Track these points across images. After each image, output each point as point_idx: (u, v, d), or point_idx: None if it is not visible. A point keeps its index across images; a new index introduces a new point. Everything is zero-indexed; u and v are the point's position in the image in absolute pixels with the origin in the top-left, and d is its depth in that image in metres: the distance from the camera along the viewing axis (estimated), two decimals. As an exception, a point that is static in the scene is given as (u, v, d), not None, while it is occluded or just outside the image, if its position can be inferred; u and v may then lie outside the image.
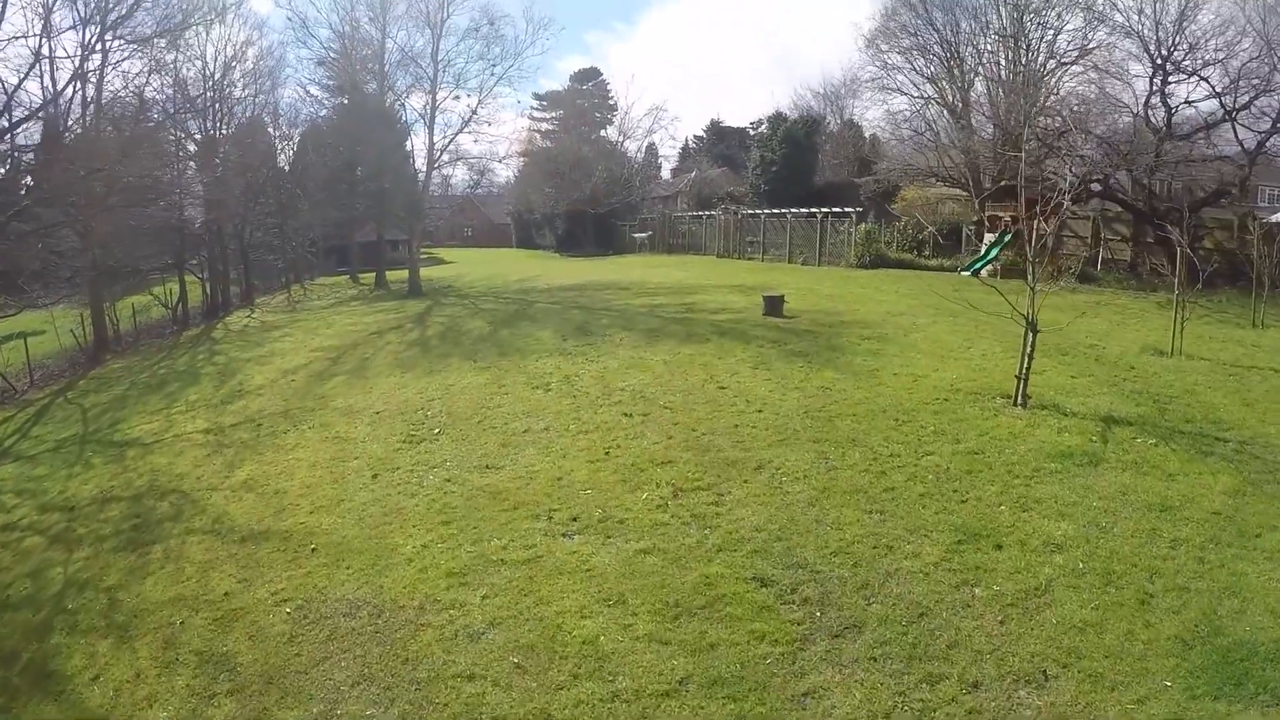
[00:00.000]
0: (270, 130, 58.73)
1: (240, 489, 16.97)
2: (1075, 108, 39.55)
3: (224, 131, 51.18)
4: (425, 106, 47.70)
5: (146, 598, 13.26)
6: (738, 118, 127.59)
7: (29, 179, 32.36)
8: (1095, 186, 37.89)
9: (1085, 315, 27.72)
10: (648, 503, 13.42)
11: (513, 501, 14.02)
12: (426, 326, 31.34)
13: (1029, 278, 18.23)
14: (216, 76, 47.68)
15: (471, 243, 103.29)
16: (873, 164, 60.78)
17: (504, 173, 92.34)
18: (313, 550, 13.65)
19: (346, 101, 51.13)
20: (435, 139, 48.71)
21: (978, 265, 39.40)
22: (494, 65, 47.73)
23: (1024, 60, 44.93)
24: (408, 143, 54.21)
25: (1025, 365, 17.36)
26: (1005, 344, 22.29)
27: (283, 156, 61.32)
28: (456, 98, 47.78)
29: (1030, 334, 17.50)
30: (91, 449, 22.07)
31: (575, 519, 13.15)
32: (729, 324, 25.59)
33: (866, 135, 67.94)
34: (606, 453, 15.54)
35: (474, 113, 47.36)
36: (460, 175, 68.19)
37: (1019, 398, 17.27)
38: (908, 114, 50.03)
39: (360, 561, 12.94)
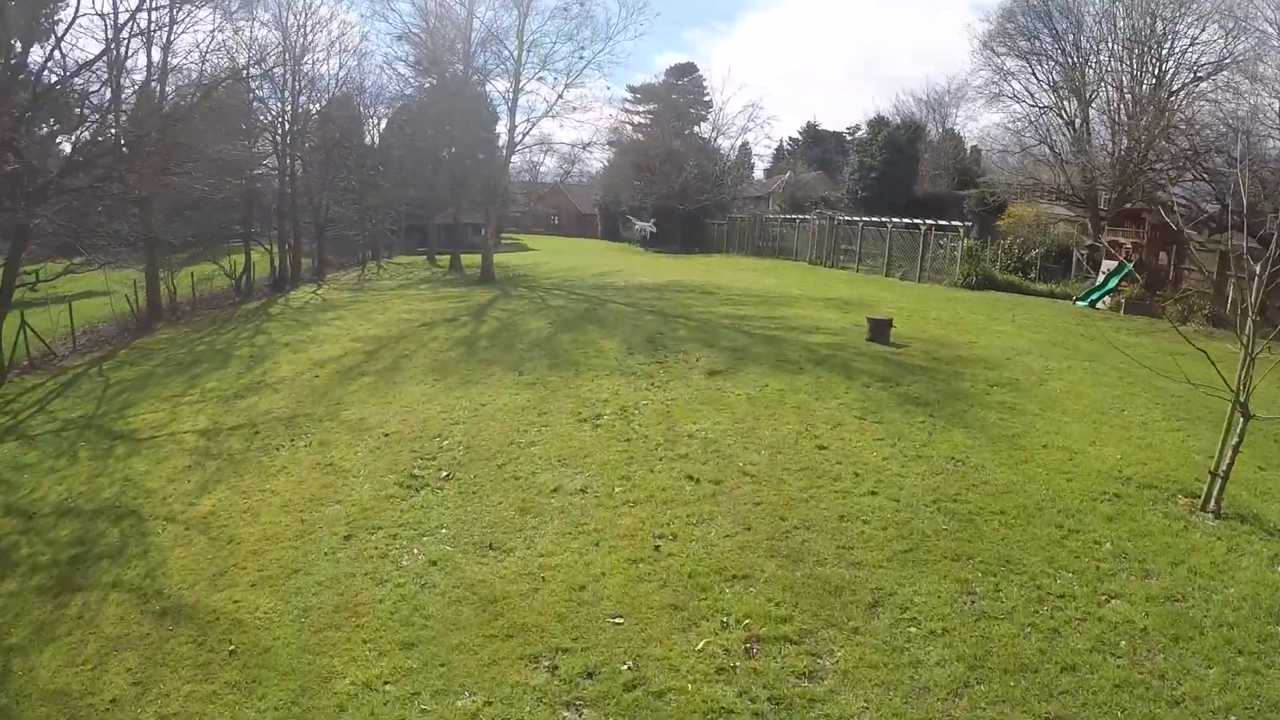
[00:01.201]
0: (358, 107, 54.64)
1: (196, 526, 12.74)
2: (1216, 126, 32.88)
3: (305, 105, 47.33)
4: (508, 89, 42.84)
5: (34, 679, 9.64)
6: (834, 121, 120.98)
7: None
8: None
9: (1229, 371, 21.67)
10: (705, 658, 8.25)
11: (507, 623, 9.00)
12: (482, 322, 26.48)
13: (1241, 335, 12.47)
14: (296, 49, 43.52)
15: (557, 231, 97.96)
16: (975, 176, 54.53)
17: (595, 163, 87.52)
18: (231, 653, 9.27)
19: (434, 82, 46.32)
20: (518, 123, 43.87)
21: (1095, 296, 33.42)
22: (582, 48, 42.03)
23: (1155, 71, 38.25)
24: (497, 126, 49.42)
25: (1228, 461, 11.88)
26: (1165, 407, 17.03)
27: (371, 134, 57.59)
28: (541, 79, 42.26)
29: (1240, 418, 12.13)
30: (87, 438, 18.20)
31: (590, 674, 8.12)
32: (827, 350, 20.17)
33: (968, 147, 61.43)
34: (657, 547, 10.37)
35: (560, 97, 42.12)
36: (550, 163, 63.28)
37: (1212, 502, 11.84)
38: (1022, 125, 43.63)
39: (278, 693, 8.50)
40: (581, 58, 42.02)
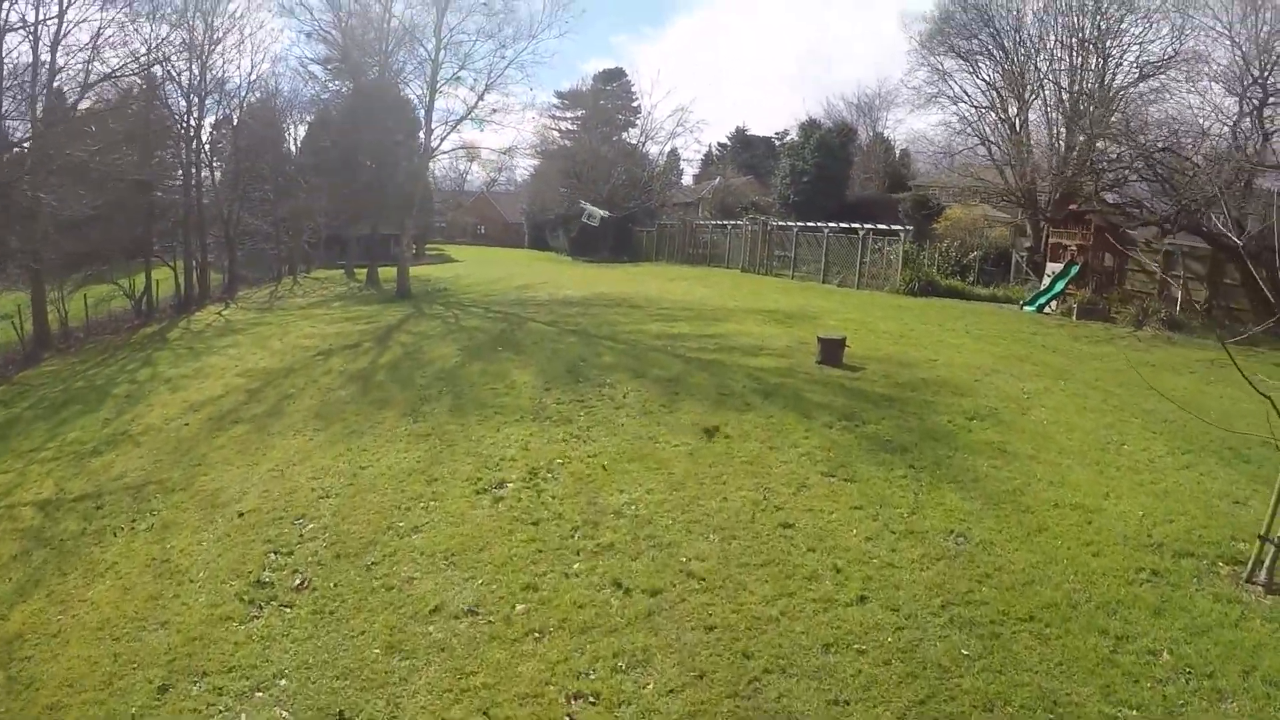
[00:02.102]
0: (276, 112, 50.36)
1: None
2: (1165, 125, 30.57)
3: (217, 108, 43.21)
4: (424, 90, 39.12)
5: None
6: (764, 127, 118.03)
7: None
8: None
9: (1215, 383, 19.46)
10: None
11: None
12: (385, 349, 22.79)
13: None
14: (203, 46, 39.32)
15: (484, 241, 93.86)
16: (906, 180, 52.12)
17: (523, 171, 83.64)
18: None
19: (350, 86, 42.27)
20: (435, 127, 40.15)
21: (1042, 300, 30.97)
22: (504, 47, 38.21)
23: (1098, 70, 35.98)
24: (421, 133, 45.48)
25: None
26: (1164, 437, 14.39)
27: (289, 141, 53.40)
28: (459, 79, 38.45)
29: None
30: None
31: None
32: (775, 377, 16.91)
33: (897, 150, 59.21)
34: (570, 716, 6.99)
35: (480, 99, 38.51)
36: (477, 171, 59.47)
37: (1262, 573, 9.17)
38: (960, 126, 41.19)
39: None
40: (503, 57, 38.33)
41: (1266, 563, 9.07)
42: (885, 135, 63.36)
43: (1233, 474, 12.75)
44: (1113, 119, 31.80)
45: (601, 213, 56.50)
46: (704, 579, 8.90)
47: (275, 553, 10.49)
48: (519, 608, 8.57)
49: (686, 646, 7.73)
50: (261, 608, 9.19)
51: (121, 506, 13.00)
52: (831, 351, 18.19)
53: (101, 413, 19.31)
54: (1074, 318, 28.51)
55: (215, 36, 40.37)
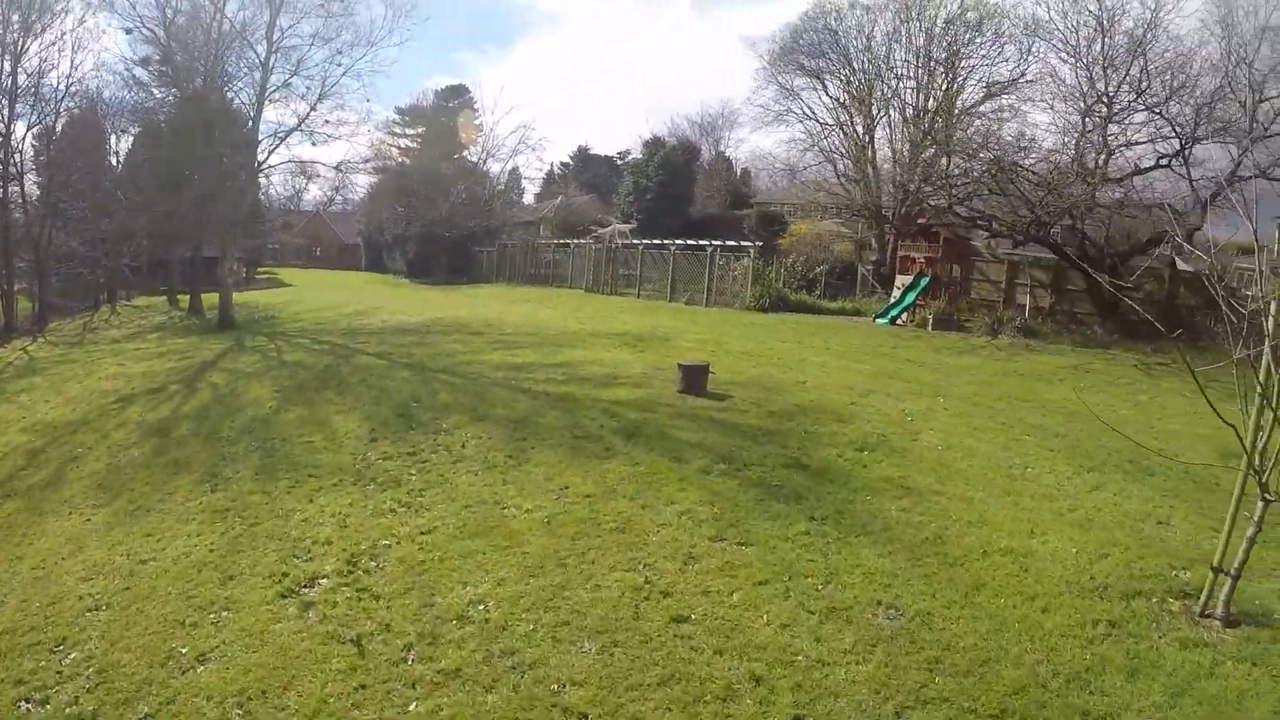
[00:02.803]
0: (99, 122, 45.04)
1: None
2: (1004, 142, 30.29)
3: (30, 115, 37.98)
4: (253, 98, 35.22)
5: None
6: (606, 146, 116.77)
7: None
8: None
9: (1087, 390, 19.00)
10: None
11: None
12: (194, 392, 19.27)
13: (1262, 383, 8.06)
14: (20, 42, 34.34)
15: (320, 263, 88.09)
16: (748, 198, 51.29)
17: (361, 189, 79.03)
18: None
19: (177, 93, 37.52)
20: (263, 139, 36.24)
21: (895, 313, 30.14)
22: (340, 53, 34.70)
23: (946, 88, 35.76)
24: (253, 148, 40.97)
25: (1242, 557, 7.94)
26: (1062, 454, 13.43)
27: (115, 154, 47.82)
28: (289, 85, 34.58)
29: (1261, 500, 8.01)
30: None
31: None
32: (635, 412, 14.56)
33: (738, 169, 58.47)
34: None
35: (313, 109, 34.78)
36: (314, 190, 54.89)
37: (1219, 607, 8.03)
38: (807, 143, 40.41)
39: None
40: (340, 64, 34.78)
41: (1223, 596, 7.85)
42: (727, 154, 62.77)
43: (1144, 490, 11.82)
44: (958, 136, 31.36)
45: (626, 227, 50.80)
46: (585, 714, 6.49)
47: (26, 700, 7.47)
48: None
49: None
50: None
51: None
52: (694, 379, 16.10)
53: None
54: (929, 329, 27.66)
55: (34, 30, 35.39)
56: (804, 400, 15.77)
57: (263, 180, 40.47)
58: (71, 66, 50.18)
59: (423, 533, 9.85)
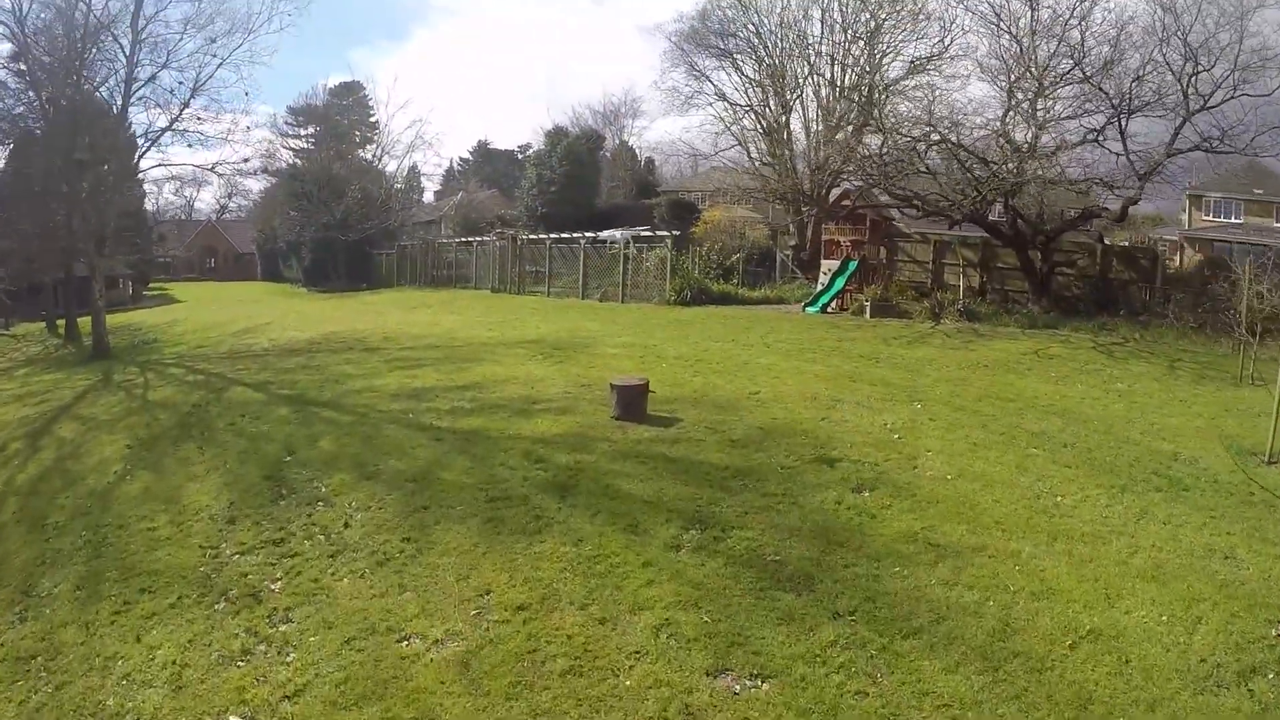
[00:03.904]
0: None
1: None
2: (936, 118, 27.70)
3: None
4: (116, 97, 30.43)
5: None
6: (506, 140, 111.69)
7: None
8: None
9: (1063, 381, 16.93)
10: None
11: None
12: (36, 452, 14.79)
13: None
14: None
15: (214, 275, 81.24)
16: (654, 187, 48.22)
17: (255, 196, 73.02)
18: None
19: (48, 93, 32.23)
20: (132, 135, 31.56)
21: (825, 300, 27.42)
22: (214, 41, 29.62)
23: (867, 64, 33.13)
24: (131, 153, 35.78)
25: None
26: (1080, 468, 11.06)
27: None
28: (155, 79, 29.83)
29: None
30: None
31: None
32: (565, 453, 11.23)
33: (641, 158, 55.35)
34: None
35: (185, 105, 30.02)
36: (207, 199, 49.49)
37: None
38: (718, 128, 37.39)
39: None
40: (215, 55, 30.19)
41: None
42: (630, 144, 59.55)
43: (1186, 511, 9.64)
44: (889, 112, 28.66)
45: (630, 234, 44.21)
46: None
47: None
48: None
49: None
50: None
51: None
52: (632, 402, 12.84)
53: None
54: (868, 316, 24.98)
55: None
56: (765, 419, 12.73)
57: (150, 189, 35.54)
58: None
59: (287, 697, 6.40)
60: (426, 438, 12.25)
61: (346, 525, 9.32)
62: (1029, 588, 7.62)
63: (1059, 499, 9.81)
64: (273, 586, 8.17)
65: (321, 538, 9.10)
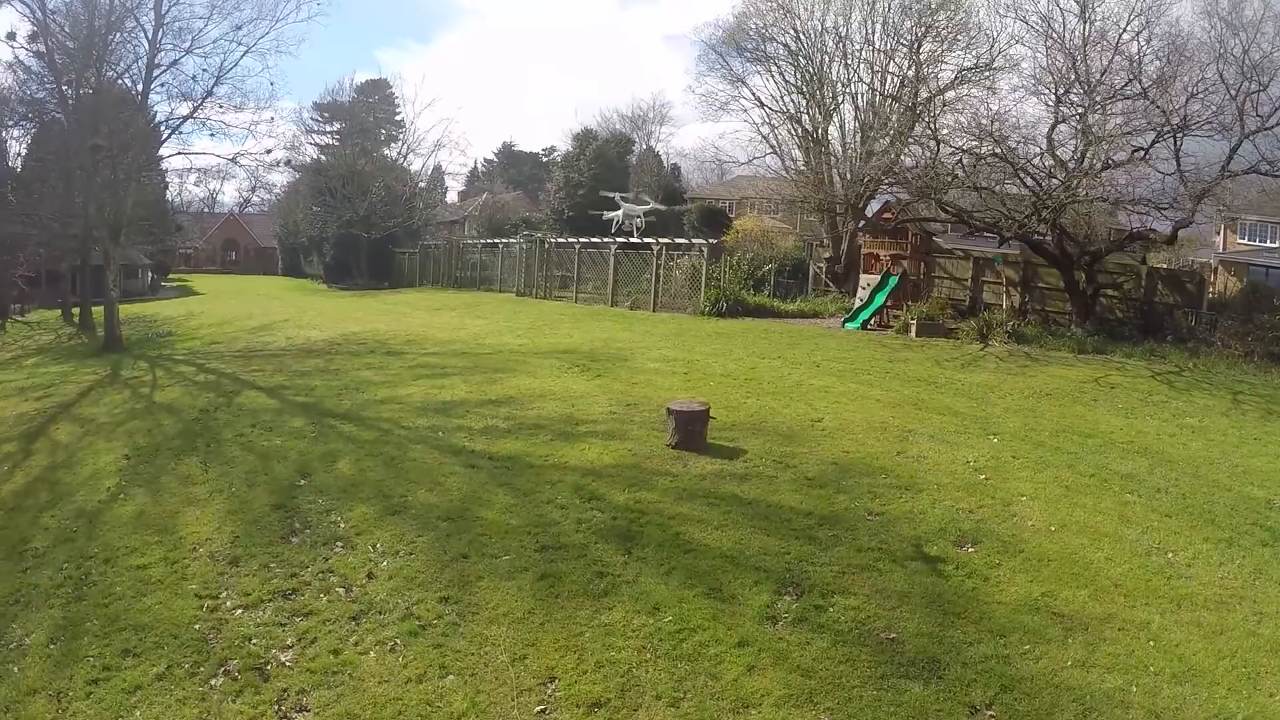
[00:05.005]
0: None
1: None
2: (978, 129, 25.91)
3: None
4: (135, 80, 28.94)
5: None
6: (532, 143, 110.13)
7: None
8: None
9: (1138, 416, 15.14)
10: None
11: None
12: (28, 456, 13.22)
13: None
14: None
15: (235, 268, 79.99)
16: (682, 194, 46.55)
17: (279, 190, 71.51)
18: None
19: (71, 80, 30.76)
20: (155, 126, 29.98)
21: (865, 315, 25.75)
22: (240, 28, 27.87)
23: (910, 72, 31.40)
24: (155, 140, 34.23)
25: None
26: (1180, 517, 9.58)
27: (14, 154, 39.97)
28: (176, 64, 28.25)
29: None
30: None
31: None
32: (624, 489, 9.63)
33: (668, 164, 53.68)
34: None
35: (209, 93, 28.47)
36: (230, 191, 47.95)
37: None
38: (754, 134, 35.63)
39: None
40: (240, 43, 28.69)
41: None
42: (656, 150, 57.94)
43: None
44: (941, 123, 26.90)
45: (642, 207, 39.47)
46: None
47: None
48: None
49: None
50: None
51: None
52: (693, 431, 11.24)
53: None
54: (913, 335, 23.29)
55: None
56: (837, 453, 11.14)
57: (172, 179, 34.05)
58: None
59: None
60: (459, 463, 10.66)
61: (370, 576, 7.72)
62: (1169, 669, 6.32)
63: (1170, 555, 8.41)
64: (282, 657, 6.56)
65: (341, 591, 7.50)
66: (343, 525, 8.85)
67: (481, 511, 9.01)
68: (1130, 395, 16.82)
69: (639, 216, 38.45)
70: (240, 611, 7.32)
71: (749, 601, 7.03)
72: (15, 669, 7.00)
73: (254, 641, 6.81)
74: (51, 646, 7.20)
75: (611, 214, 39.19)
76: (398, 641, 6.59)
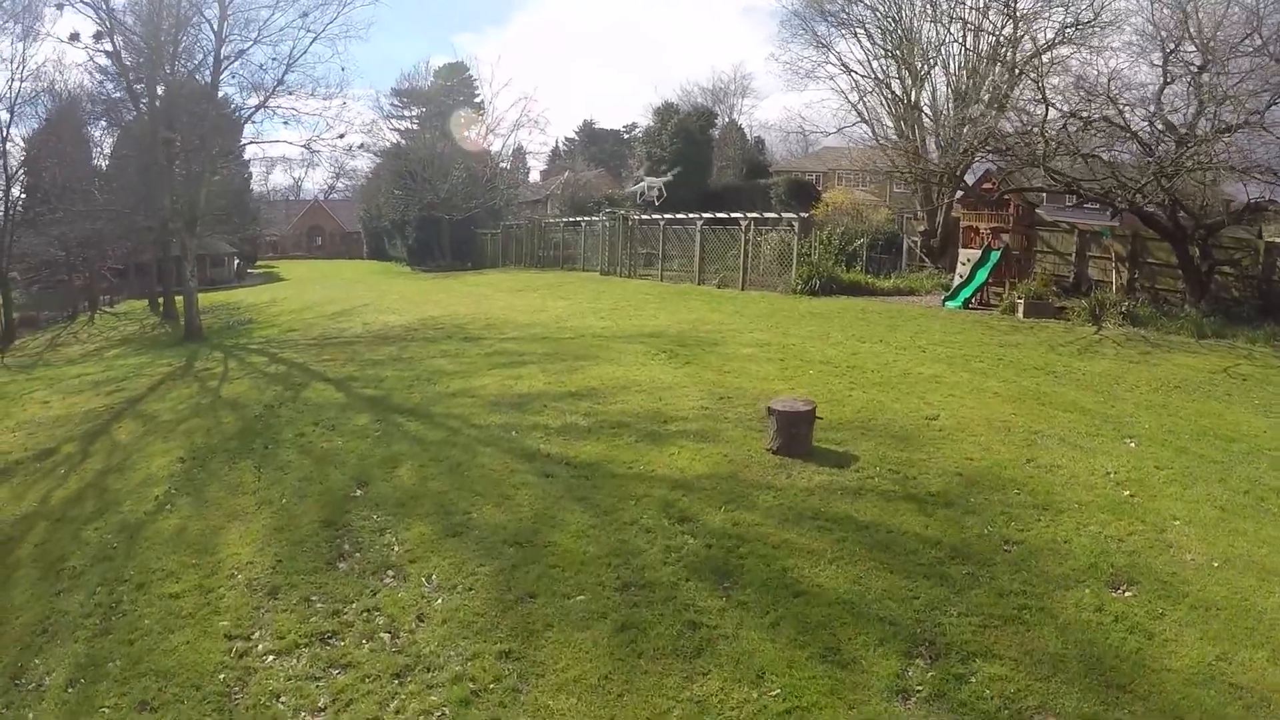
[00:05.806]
0: (81, 120, 38.71)
1: None
2: (1087, 92, 23.36)
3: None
4: (204, 72, 28.56)
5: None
6: (612, 120, 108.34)
7: None
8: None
9: (1268, 413, 12.86)
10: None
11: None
12: (86, 458, 12.68)
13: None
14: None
15: (320, 253, 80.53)
16: (766, 167, 44.56)
17: (363, 176, 71.53)
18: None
19: (144, 79, 30.77)
20: (234, 115, 29.72)
21: (967, 294, 23.74)
22: (306, 15, 27.38)
23: (1006, 29, 28.88)
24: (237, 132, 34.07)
25: None
26: None
27: (98, 152, 41.43)
28: (242, 54, 27.77)
29: None
30: None
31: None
32: (718, 511, 8.23)
33: (750, 137, 51.55)
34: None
35: (279, 82, 28.01)
36: (315, 178, 48.03)
37: None
38: (841, 103, 33.47)
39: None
40: (307, 29, 28.02)
41: None
42: (739, 123, 55.79)
43: None
44: (1048, 84, 24.44)
45: (660, 181, 40.91)
46: None
47: None
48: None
49: None
50: None
51: None
52: (797, 434, 9.78)
53: None
54: (1020, 315, 21.27)
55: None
56: (960, 460, 9.57)
57: (255, 169, 34.01)
58: (14, 53, 42.99)
59: None
60: (532, 471, 9.44)
61: (421, 618, 6.55)
62: None
63: None
64: (313, 722, 5.43)
65: (386, 637, 6.35)
66: (396, 549, 7.73)
67: (554, 535, 7.76)
68: (1264, 389, 14.61)
69: (659, 187, 39.90)
70: (271, 658, 6.25)
71: (874, 668, 5.63)
72: (30, 716, 6.09)
73: (282, 700, 5.73)
74: (69, 691, 6.28)
75: (634, 188, 40.74)
76: (445, 712, 5.39)
